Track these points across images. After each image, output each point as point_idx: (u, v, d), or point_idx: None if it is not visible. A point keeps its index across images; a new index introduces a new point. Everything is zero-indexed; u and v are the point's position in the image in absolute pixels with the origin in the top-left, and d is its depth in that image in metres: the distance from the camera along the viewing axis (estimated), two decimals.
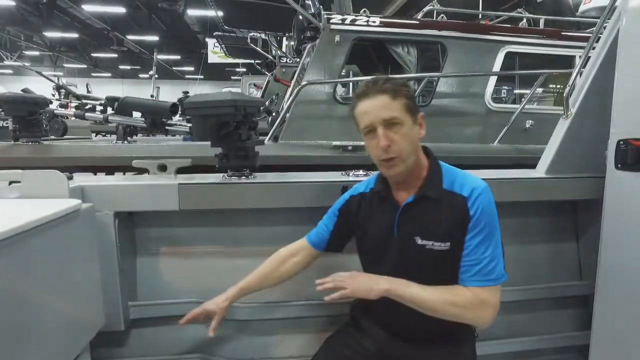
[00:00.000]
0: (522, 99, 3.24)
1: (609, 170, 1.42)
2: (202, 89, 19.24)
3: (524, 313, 1.67)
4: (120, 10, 13.24)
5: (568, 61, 3.32)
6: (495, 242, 1.06)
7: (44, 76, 8.59)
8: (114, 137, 3.37)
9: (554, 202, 1.73)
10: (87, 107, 4.56)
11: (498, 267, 1.04)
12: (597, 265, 1.47)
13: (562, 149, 1.61)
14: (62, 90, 5.90)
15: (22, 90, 3.96)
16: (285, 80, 4.87)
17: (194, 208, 1.45)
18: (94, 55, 20.09)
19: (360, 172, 1.57)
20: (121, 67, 22.98)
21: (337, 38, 2.99)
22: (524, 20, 3.75)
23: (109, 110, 3.89)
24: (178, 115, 2.85)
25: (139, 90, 20.34)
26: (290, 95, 2.99)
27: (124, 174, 2.44)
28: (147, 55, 17.55)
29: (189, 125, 2.73)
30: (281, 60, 6.23)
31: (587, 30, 3.62)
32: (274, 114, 3.79)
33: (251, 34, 6.27)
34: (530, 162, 1.71)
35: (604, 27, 1.59)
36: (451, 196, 1.08)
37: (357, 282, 1.07)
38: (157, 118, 2.55)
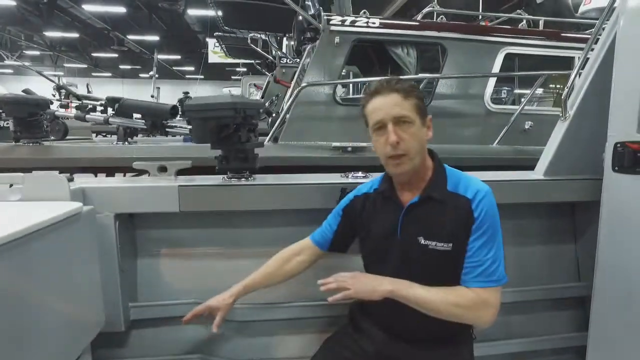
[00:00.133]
0: (522, 100, 3.25)
1: (607, 172, 1.43)
2: (202, 89, 19.28)
3: (523, 314, 1.68)
4: (121, 10, 13.25)
5: (568, 62, 3.32)
6: (497, 244, 1.07)
7: (44, 76, 8.59)
8: (114, 137, 3.39)
9: (552, 204, 1.74)
10: (87, 107, 4.55)
11: (500, 268, 1.06)
12: (594, 266, 1.48)
13: (560, 151, 1.62)
14: (63, 91, 5.90)
15: (23, 91, 3.96)
16: (285, 81, 4.88)
17: (194, 210, 1.46)
18: (94, 55, 20.09)
19: (360, 173, 1.58)
20: (121, 66, 22.99)
21: (336, 39, 2.99)
22: (524, 21, 3.75)
23: (109, 110, 3.89)
24: (178, 115, 2.86)
25: (140, 90, 20.37)
26: (290, 97, 3.00)
27: (125, 175, 2.46)
28: (148, 55, 17.56)
29: (189, 127, 2.74)
30: (281, 61, 6.24)
31: (587, 32, 3.62)
32: (273, 114, 3.80)
33: (251, 35, 6.29)
34: (530, 164, 1.72)
35: (603, 29, 1.60)
36: (455, 198, 1.09)
37: (360, 283, 1.08)
38: (157, 120, 2.56)
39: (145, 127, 2.68)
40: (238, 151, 1.48)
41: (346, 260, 1.36)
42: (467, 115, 3.27)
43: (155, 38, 16.11)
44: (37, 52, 19.22)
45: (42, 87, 8.69)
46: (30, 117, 2.62)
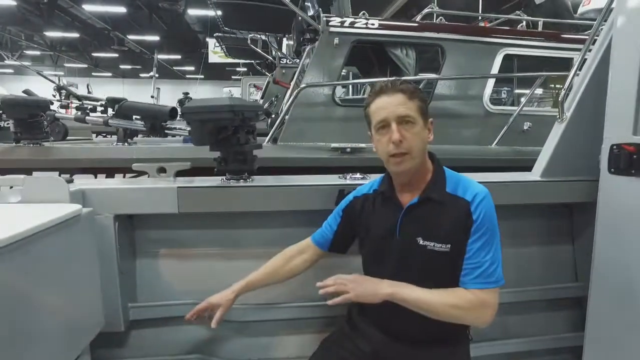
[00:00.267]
0: (521, 101, 3.25)
1: (603, 174, 1.44)
2: (202, 89, 19.27)
3: (520, 314, 1.69)
4: (121, 10, 13.26)
5: (567, 63, 3.32)
6: (496, 246, 1.09)
7: (44, 77, 8.60)
8: (114, 137, 3.40)
9: (549, 205, 1.74)
10: (87, 108, 4.57)
11: (498, 270, 1.07)
12: (591, 267, 1.49)
13: (557, 153, 1.63)
14: (63, 91, 5.92)
15: (24, 92, 3.98)
16: (285, 82, 4.88)
17: (193, 211, 1.47)
18: (94, 54, 20.11)
19: (358, 175, 1.58)
20: (122, 66, 23.01)
21: (336, 40, 3.00)
22: (523, 22, 3.75)
23: (110, 111, 3.90)
24: (178, 117, 2.86)
25: (140, 89, 20.37)
26: (289, 97, 3.01)
27: (124, 176, 2.46)
28: (148, 55, 17.57)
29: (188, 129, 2.75)
30: (281, 62, 6.25)
31: (586, 33, 3.63)
32: (273, 115, 3.80)
33: (251, 35, 6.29)
34: (528, 164, 1.73)
35: (601, 30, 1.60)
36: (454, 199, 1.11)
37: (360, 286, 1.08)
38: (156, 122, 2.57)
39: (144, 129, 2.69)
40: (236, 153, 1.49)
41: (346, 260, 1.36)
42: (466, 116, 3.28)
43: (155, 38, 16.13)
44: (37, 52, 19.24)
45: (42, 87, 8.70)
46: (30, 118, 2.62)
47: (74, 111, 5.88)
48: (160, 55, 13.03)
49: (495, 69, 3.26)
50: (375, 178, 1.32)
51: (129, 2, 12.95)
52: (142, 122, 2.71)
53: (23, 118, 2.62)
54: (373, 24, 3.09)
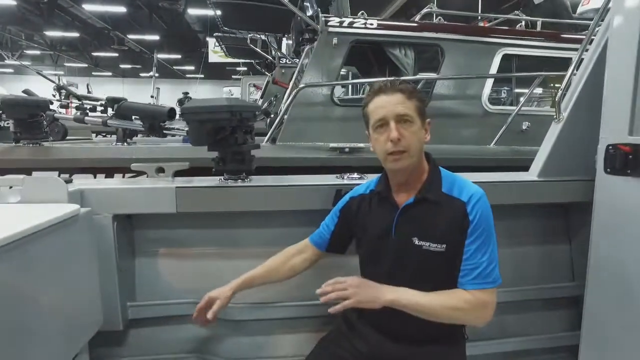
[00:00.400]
0: (520, 101, 3.25)
1: (599, 174, 1.44)
2: (202, 88, 19.28)
3: (517, 314, 1.69)
4: (121, 9, 13.27)
5: (566, 63, 3.33)
6: (492, 246, 1.10)
7: (44, 76, 8.62)
8: (114, 137, 3.41)
9: (546, 205, 1.75)
10: (87, 108, 4.58)
11: (495, 270, 1.09)
12: (587, 266, 1.50)
13: (554, 153, 1.64)
14: (63, 91, 5.93)
15: (23, 92, 3.99)
16: (284, 82, 4.89)
17: (191, 211, 1.48)
18: (94, 54, 20.11)
19: (355, 175, 1.59)
20: (122, 66, 23.01)
21: (334, 40, 3.00)
22: (522, 22, 3.76)
23: (110, 110, 3.91)
24: (178, 115, 2.88)
25: (140, 89, 20.39)
26: (288, 97, 3.01)
27: (124, 176, 2.47)
28: (148, 55, 17.57)
29: (186, 129, 2.76)
30: (280, 61, 6.26)
31: (584, 32, 3.63)
32: (272, 115, 3.81)
33: (250, 35, 6.30)
34: (526, 164, 1.73)
35: (598, 29, 1.61)
36: (450, 200, 1.11)
37: (361, 293, 1.07)
38: (155, 122, 2.58)
39: (143, 129, 2.70)
40: (234, 153, 1.50)
41: (344, 259, 1.37)
42: (464, 116, 3.28)
43: (155, 37, 16.13)
44: (37, 52, 19.25)
45: (42, 87, 8.72)
46: (30, 118, 2.63)
47: (73, 111, 5.90)
48: (160, 54, 13.05)
49: (493, 69, 3.26)
50: (372, 178, 1.33)
51: (129, 2, 12.95)
52: (141, 123, 2.72)
53: (23, 118, 2.63)
54: (372, 24, 3.10)
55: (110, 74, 24.40)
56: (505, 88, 4.17)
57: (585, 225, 1.54)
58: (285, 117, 2.97)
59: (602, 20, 1.56)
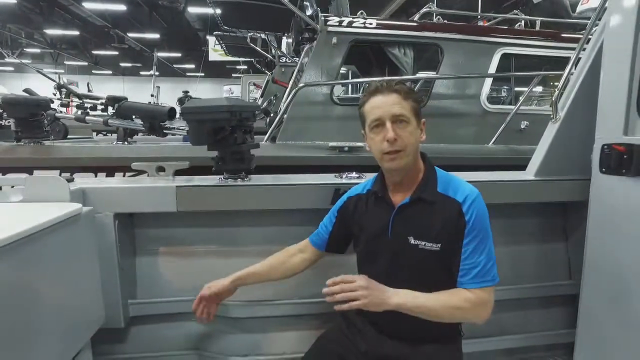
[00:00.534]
0: (519, 100, 3.26)
1: (594, 173, 1.46)
2: (202, 87, 19.26)
3: (514, 311, 1.71)
4: (121, 7, 13.24)
5: (565, 63, 3.33)
6: (489, 245, 1.11)
7: (44, 75, 8.63)
8: (114, 136, 3.42)
9: (543, 204, 1.76)
10: (87, 107, 4.60)
11: (493, 268, 1.10)
12: (582, 265, 1.52)
13: (551, 152, 1.65)
14: (63, 90, 5.94)
15: (24, 90, 4.00)
16: (284, 81, 4.90)
17: (191, 209, 1.49)
18: (94, 52, 20.10)
19: (353, 174, 1.60)
20: (122, 64, 22.99)
21: (334, 40, 3.02)
22: (522, 22, 3.76)
23: (110, 109, 3.92)
24: (178, 115, 2.89)
25: (140, 87, 20.38)
26: (288, 96, 3.03)
27: (124, 175, 2.49)
28: (148, 53, 17.56)
29: (186, 129, 2.78)
30: (280, 60, 6.26)
31: (583, 32, 3.63)
32: (272, 114, 3.83)
33: (251, 34, 6.30)
34: (524, 163, 1.74)
35: (595, 29, 1.61)
36: (445, 199, 1.13)
37: (370, 296, 1.05)
38: (155, 122, 2.60)
39: (143, 128, 2.71)
40: (234, 152, 1.51)
41: (343, 258, 1.38)
42: (463, 115, 3.29)
43: (155, 36, 16.11)
44: (37, 50, 19.23)
45: (42, 85, 8.73)
46: (31, 117, 2.65)
47: (74, 110, 5.91)
48: (160, 53, 13.05)
49: (492, 68, 3.27)
50: (370, 178, 1.34)
51: (129, 0, 12.93)
52: (142, 122, 2.74)
53: (24, 117, 2.65)
54: (371, 24, 3.11)
55: (110, 72, 24.38)
56: (505, 87, 4.19)
57: (581, 224, 1.55)
58: (285, 116, 2.98)
59: (600, 20, 1.56)
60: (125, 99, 3.18)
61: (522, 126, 3.26)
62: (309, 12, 3.29)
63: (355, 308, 1.06)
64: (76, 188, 1.34)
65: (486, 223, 1.12)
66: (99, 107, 4.84)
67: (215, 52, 12.88)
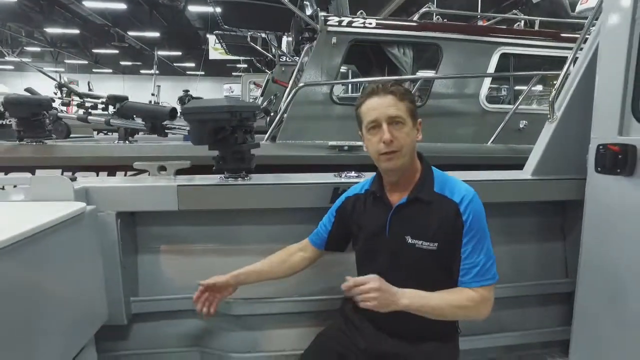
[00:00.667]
0: (518, 99, 3.28)
1: (590, 173, 1.48)
2: (203, 86, 19.25)
3: (511, 309, 1.73)
4: (121, 6, 13.22)
5: (563, 62, 3.35)
6: (488, 244, 1.13)
7: (45, 74, 8.64)
8: (115, 135, 3.44)
9: (541, 203, 1.78)
10: (89, 105, 4.62)
11: (493, 267, 1.12)
12: (578, 263, 1.53)
13: (548, 152, 1.67)
14: (64, 89, 5.94)
15: (26, 90, 4.01)
16: (284, 80, 4.91)
17: (192, 208, 1.51)
18: (95, 51, 20.08)
19: (353, 173, 1.62)
20: (122, 63, 22.97)
21: (334, 40, 3.03)
22: (521, 22, 3.77)
23: (111, 108, 3.94)
24: (178, 114, 2.91)
25: (140, 86, 20.37)
26: (288, 96, 3.04)
27: (125, 174, 2.51)
28: (148, 51, 17.56)
29: (187, 129, 2.80)
30: (281, 59, 6.27)
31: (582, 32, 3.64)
32: (272, 113, 3.84)
33: (251, 33, 6.31)
34: (523, 162, 1.76)
35: (592, 29, 1.62)
36: (442, 199, 1.14)
37: (380, 298, 1.06)
38: (156, 122, 2.62)
39: (145, 128, 2.73)
40: (235, 152, 1.53)
41: (342, 257, 1.40)
42: (462, 114, 3.31)
43: (155, 34, 16.10)
44: (37, 49, 19.21)
45: (43, 84, 8.72)
46: (33, 117, 2.67)
47: (75, 109, 5.91)
48: (160, 51, 13.04)
49: (491, 68, 3.29)
50: (368, 177, 1.35)
51: None
52: (143, 122, 2.76)
53: (26, 117, 2.67)
54: (370, 24, 3.12)
55: (110, 71, 24.36)
56: (505, 86, 4.20)
57: (578, 223, 1.57)
58: (285, 115, 3.00)
59: (597, 20, 1.57)
60: (126, 98, 3.20)
61: (521, 125, 3.28)
62: (308, 11, 3.31)
63: (367, 308, 1.07)
64: (79, 187, 1.35)
65: (483, 222, 1.14)
66: (100, 106, 4.86)
67: (216, 51, 12.86)
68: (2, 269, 0.86)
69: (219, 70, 20.97)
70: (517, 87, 3.93)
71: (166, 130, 2.73)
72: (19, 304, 0.93)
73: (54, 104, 3.30)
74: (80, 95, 5.36)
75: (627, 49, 1.32)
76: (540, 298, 1.78)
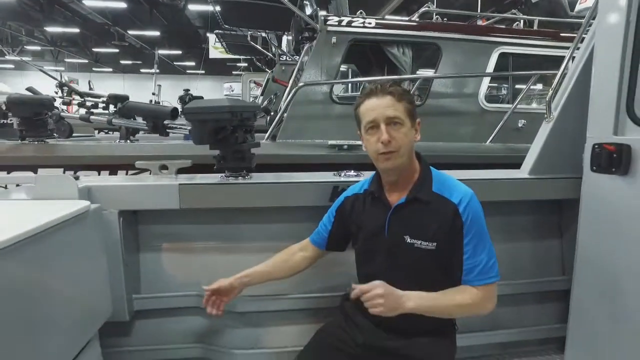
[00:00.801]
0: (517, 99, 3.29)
1: (586, 172, 1.49)
2: (203, 85, 19.24)
3: (509, 306, 1.74)
4: (121, 5, 13.21)
5: (562, 62, 3.37)
6: (488, 243, 1.15)
7: (46, 73, 8.65)
8: (116, 134, 3.46)
9: (538, 201, 1.80)
10: (89, 104, 4.63)
11: (495, 265, 1.14)
12: (574, 261, 1.55)
13: (545, 151, 1.68)
14: (65, 88, 5.95)
15: (27, 89, 4.03)
16: (284, 80, 4.93)
17: (194, 207, 1.53)
18: (95, 50, 20.07)
19: (352, 172, 1.64)
20: (122, 62, 22.96)
21: (333, 39, 3.05)
22: (521, 21, 3.79)
23: (111, 107, 3.96)
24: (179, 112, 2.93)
25: (140, 85, 20.36)
26: (288, 95, 3.06)
27: (127, 173, 2.53)
28: (149, 50, 17.55)
29: (189, 128, 2.82)
30: (281, 58, 6.28)
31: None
32: (272, 113, 3.86)
33: (251, 32, 6.32)
34: (521, 161, 1.78)
35: (588, 29, 1.63)
36: (440, 200, 1.15)
37: (386, 304, 1.07)
38: (158, 122, 2.64)
39: (147, 127, 2.76)
40: (235, 151, 1.55)
41: (342, 256, 1.42)
42: (461, 114, 3.33)
43: (156, 33, 16.09)
44: (37, 48, 19.21)
45: (44, 83, 8.73)
46: (35, 116, 2.69)
47: (75, 107, 5.92)
48: (160, 50, 13.03)
49: (490, 67, 3.30)
50: (367, 176, 1.36)
51: None
52: (145, 122, 2.78)
53: (28, 116, 2.69)
54: (370, 23, 3.14)
55: (110, 69, 24.35)
56: (505, 85, 4.21)
57: (575, 221, 1.58)
58: (285, 115, 3.02)
59: (594, 19, 1.58)
60: (127, 97, 3.22)
61: (520, 125, 3.30)
62: (308, 11, 3.32)
63: (375, 314, 1.08)
64: (82, 186, 1.37)
65: (482, 222, 1.15)
66: (100, 105, 4.87)
67: (216, 50, 12.85)
68: (10, 266, 0.88)
69: (219, 69, 20.97)
70: (516, 86, 3.95)
71: (167, 130, 2.75)
72: (27, 300, 0.95)
73: (55, 103, 3.32)
74: (81, 95, 5.37)
75: (621, 50, 1.34)
76: (537, 295, 1.80)
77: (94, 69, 22.81)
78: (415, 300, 1.10)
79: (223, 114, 1.43)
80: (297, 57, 4.16)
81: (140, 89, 16.43)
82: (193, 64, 22.00)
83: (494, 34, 3.36)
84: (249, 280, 1.32)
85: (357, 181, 1.40)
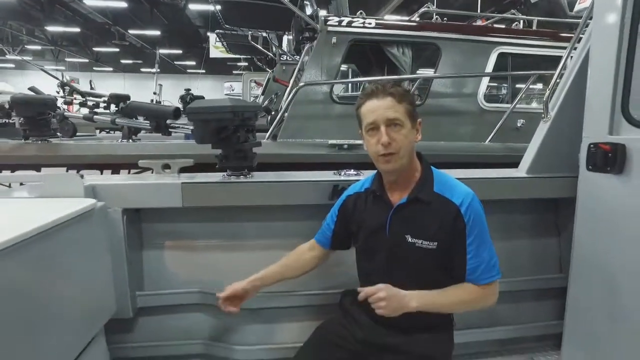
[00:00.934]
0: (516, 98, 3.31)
1: (582, 171, 1.51)
2: (203, 84, 19.25)
3: (506, 304, 1.76)
4: (122, 4, 13.22)
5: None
6: (489, 242, 1.17)
7: (47, 72, 8.67)
8: (117, 133, 3.48)
9: (535, 200, 1.82)
10: (91, 104, 4.64)
11: (497, 263, 1.17)
12: (570, 259, 1.58)
13: (542, 151, 1.70)
14: (67, 88, 5.96)
15: (30, 89, 4.05)
16: (285, 80, 4.95)
17: (196, 205, 1.55)
18: (95, 49, 20.08)
19: (352, 171, 1.66)
20: (123, 61, 22.98)
21: (334, 39, 3.07)
22: (520, 21, 3.81)
23: (112, 107, 3.97)
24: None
25: (141, 84, 20.38)
26: (289, 95, 3.08)
27: (129, 172, 2.55)
28: (149, 50, 17.56)
29: (191, 128, 2.84)
30: (281, 58, 6.29)
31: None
32: (273, 112, 3.88)
33: (252, 32, 6.33)
34: (520, 161, 1.79)
35: (585, 30, 1.65)
36: (442, 200, 1.17)
37: (389, 305, 1.09)
38: (160, 121, 2.67)
39: (149, 127, 2.78)
40: (237, 150, 1.57)
41: (342, 253, 1.43)
42: (461, 113, 3.35)
43: (156, 33, 16.10)
44: (38, 47, 19.22)
45: (44, 82, 8.75)
46: (39, 116, 2.72)
47: (76, 107, 5.93)
48: (161, 49, 13.03)
49: (489, 67, 3.32)
50: (367, 175, 1.38)
51: None
52: (147, 121, 2.80)
53: (32, 116, 2.71)
54: (370, 23, 3.16)
55: (111, 69, 24.36)
56: (504, 85, 4.23)
57: (572, 219, 1.60)
58: (286, 114, 3.04)
59: (591, 20, 1.59)
60: (128, 96, 3.24)
61: (518, 124, 3.32)
62: (309, 11, 3.34)
63: (379, 314, 1.11)
64: (87, 184, 1.39)
65: (483, 222, 1.17)
66: (102, 104, 4.88)
67: (216, 49, 12.85)
68: (19, 263, 0.91)
69: (219, 69, 20.98)
70: (516, 86, 3.97)
71: (170, 129, 2.78)
72: (35, 296, 0.97)
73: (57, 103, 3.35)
74: (83, 94, 5.39)
75: (616, 51, 1.35)
76: (534, 293, 1.82)
77: (94, 68, 22.81)
78: (418, 299, 1.12)
79: (225, 113, 1.45)
80: (298, 57, 4.18)
81: (140, 89, 16.46)
82: (194, 63, 22.01)
83: (493, 34, 3.38)
84: (262, 283, 1.33)
85: (357, 180, 1.41)
